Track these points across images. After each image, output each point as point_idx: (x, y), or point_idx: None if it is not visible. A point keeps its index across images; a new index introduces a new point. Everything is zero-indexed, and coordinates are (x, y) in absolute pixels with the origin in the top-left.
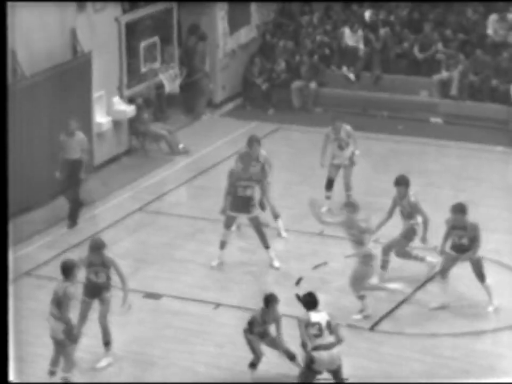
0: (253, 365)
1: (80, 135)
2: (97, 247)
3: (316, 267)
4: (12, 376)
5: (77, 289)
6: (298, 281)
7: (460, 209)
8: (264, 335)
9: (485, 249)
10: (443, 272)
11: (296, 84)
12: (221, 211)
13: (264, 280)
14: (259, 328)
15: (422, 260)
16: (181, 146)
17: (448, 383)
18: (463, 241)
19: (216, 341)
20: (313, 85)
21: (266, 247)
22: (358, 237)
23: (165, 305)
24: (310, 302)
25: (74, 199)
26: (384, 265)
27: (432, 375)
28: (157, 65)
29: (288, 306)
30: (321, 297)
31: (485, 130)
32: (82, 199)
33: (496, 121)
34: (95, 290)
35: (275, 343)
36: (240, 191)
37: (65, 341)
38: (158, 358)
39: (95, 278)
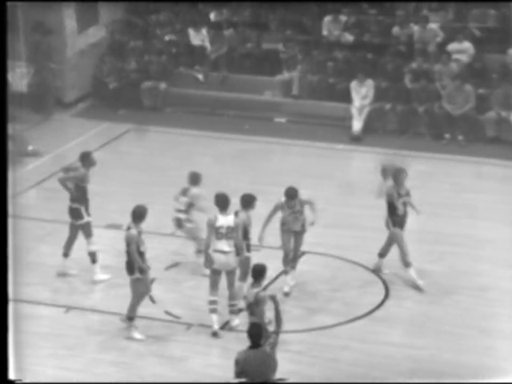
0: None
1: None
2: None
3: (168, 268)
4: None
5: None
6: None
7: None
8: None
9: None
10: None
11: (146, 84)
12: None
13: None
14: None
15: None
16: (30, 147)
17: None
18: None
19: (66, 344)
20: (162, 84)
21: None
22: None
23: (14, 309)
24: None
25: None
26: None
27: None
28: None
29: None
30: (172, 297)
31: (325, 128)
32: None
33: (335, 119)
34: None
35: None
36: None
37: None
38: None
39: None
